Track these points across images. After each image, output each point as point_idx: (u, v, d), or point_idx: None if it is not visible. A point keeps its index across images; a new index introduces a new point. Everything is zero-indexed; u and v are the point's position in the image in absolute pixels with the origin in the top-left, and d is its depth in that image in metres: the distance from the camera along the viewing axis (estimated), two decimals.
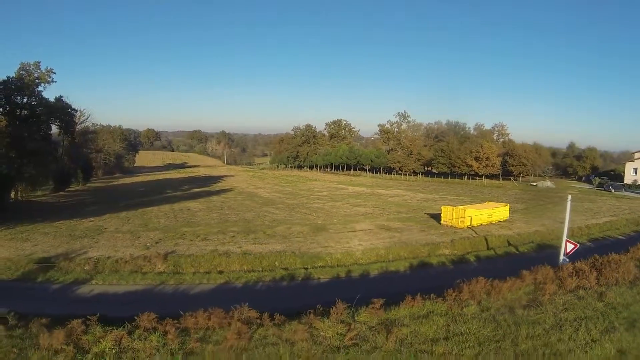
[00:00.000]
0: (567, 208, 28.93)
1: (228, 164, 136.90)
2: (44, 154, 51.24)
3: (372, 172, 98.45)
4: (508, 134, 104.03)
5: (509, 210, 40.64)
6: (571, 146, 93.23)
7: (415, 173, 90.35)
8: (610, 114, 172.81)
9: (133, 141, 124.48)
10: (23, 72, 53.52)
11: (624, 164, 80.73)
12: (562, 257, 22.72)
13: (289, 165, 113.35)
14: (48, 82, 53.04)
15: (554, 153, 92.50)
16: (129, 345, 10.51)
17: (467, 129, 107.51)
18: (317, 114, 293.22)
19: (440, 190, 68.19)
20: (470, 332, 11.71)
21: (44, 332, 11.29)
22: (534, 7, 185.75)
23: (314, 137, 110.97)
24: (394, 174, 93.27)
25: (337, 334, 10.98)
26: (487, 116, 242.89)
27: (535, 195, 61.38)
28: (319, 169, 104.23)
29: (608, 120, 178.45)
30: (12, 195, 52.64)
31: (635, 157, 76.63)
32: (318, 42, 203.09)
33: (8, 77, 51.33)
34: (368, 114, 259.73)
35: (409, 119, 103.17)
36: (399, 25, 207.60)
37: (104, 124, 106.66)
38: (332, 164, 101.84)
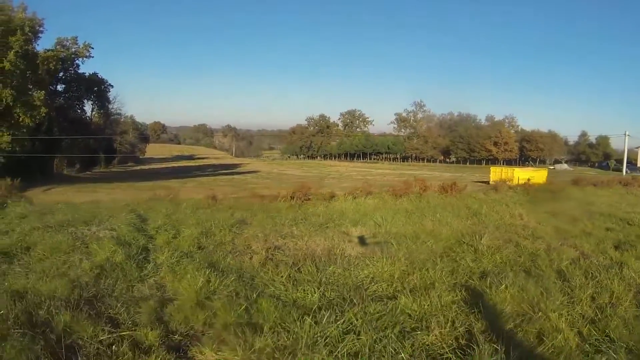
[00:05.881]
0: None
1: (236, 156, 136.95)
2: (83, 124, 51.48)
3: (389, 161, 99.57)
4: (518, 126, 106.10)
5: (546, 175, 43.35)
6: (583, 135, 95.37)
7: (433, 160, 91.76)
8: (622, 109, 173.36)
9: (144, 133, 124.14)
10: (59, 46, 53.58)
11: (637, 150, 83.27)
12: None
13: (301, 156, 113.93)
14: (86, 57, 53.06)
15: (566, 141, 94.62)
16: None
17: (478, 120, 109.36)
18: (318, 109, 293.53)
19: (464, 171, 69.41)
20: None
21: None
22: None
23: (327, 127, 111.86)
24: (411, 162, 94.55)
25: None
26: (494, 109, 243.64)
27: (557, 174, 63.34)
28: (334, 158, 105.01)
29: (621, 115, 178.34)
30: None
31: None
32: (323, 35, 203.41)
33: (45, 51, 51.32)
34: (371, 109, 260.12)
35: (424, 109, 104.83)
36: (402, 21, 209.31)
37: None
38: (347, 153, 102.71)
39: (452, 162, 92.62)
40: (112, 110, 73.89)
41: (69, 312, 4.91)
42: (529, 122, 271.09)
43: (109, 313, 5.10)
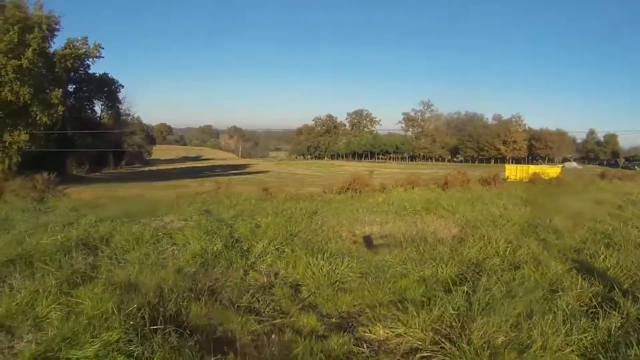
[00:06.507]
0: None
1: (243, 157, 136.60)
2: (94, 124, 51.32)
3: (397, 160, 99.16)
4: (525, 124, 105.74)
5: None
6: (591, 132, 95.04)
7: (441, 159, 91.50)
8: (630, 106, 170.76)
9: (150, 134, 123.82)
10: (70, 46, 53.32)
11: None
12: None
13: (308, 156, 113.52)
14: (97, 57, 52.76)
15: (573, 139, 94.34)
16: None
17: (485, 119, 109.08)
18: (325, 110, 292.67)
19: (475, 169, 68.95)
20: None
21: None
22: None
23: (335, 127, 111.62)
24: (419, 161, 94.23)
25: None
26: (501, 108, 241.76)
27: (567, 171, 63.30)
28: (341, 158, 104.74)
29: (627, 113, 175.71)
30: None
31: None
32: (324, 35, 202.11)
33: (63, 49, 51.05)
34: (378, 109, 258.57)
35: (432, 108, 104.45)
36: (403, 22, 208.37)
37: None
38: (354, 152, 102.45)
39: (460, 161, 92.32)
40: (121, 110, 73.68)
41: (200, 303, 4.59)
42: (535, 120, 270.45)
43: (240, 302, 4.79)
